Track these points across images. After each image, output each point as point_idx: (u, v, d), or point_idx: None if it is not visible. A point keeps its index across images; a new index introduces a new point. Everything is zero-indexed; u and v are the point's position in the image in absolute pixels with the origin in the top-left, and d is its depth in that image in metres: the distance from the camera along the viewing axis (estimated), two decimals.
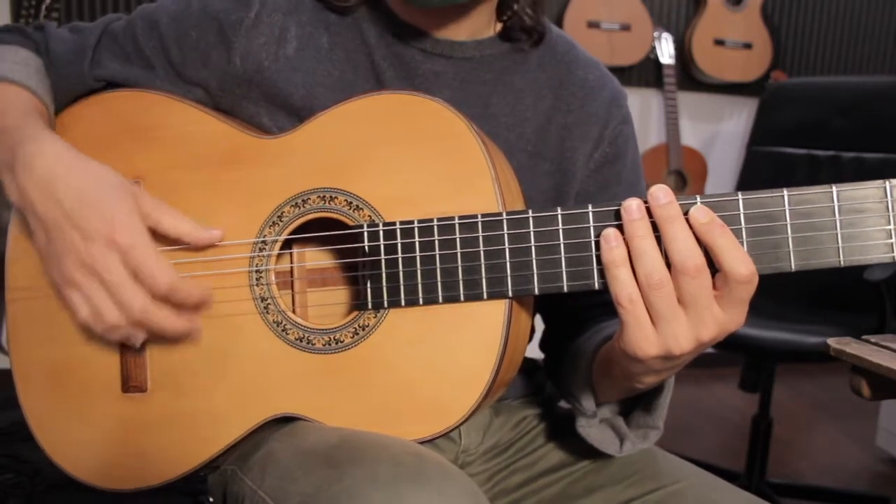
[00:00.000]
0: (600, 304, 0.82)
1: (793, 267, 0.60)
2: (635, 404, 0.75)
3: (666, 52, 2.96)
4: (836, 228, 0.59)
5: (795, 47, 3.19)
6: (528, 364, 0.90)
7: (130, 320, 0.69)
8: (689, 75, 3.05)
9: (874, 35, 3.26)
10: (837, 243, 0.59)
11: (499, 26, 0.84)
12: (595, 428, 0.75)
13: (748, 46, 2.99)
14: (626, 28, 2.87)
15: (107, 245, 0.68)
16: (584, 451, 0.82)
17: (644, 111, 3.02)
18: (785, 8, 3.14)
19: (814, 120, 2.08)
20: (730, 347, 1.66)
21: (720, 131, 3.19)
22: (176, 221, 0.72)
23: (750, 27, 2.99)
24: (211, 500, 0.85)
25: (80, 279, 0.69)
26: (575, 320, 0.84)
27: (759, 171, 2.17)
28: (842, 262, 0.59)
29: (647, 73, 2.99)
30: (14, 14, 2.41)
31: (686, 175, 2.99)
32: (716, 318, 0.59)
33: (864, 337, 0.93)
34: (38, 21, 0.87)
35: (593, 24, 2.83)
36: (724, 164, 3.11)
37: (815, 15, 3.19)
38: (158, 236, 0.72)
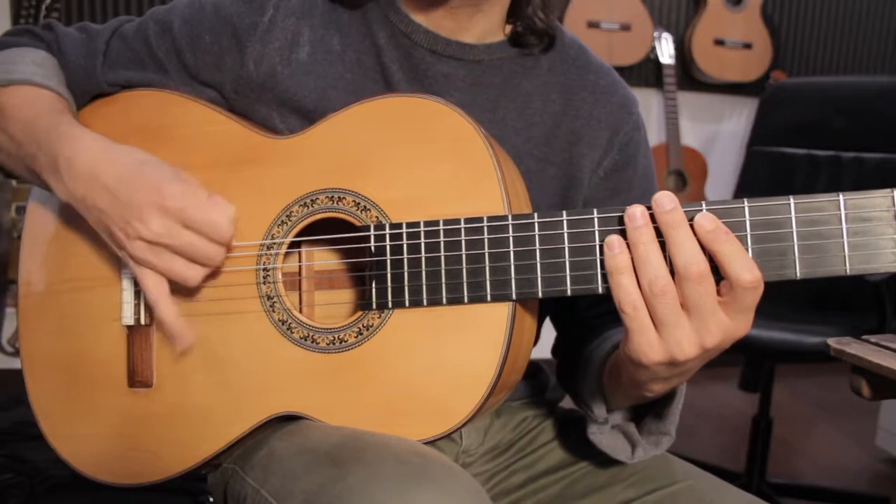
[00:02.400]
0: (612, 312, 0.82)
1: (798, 275, 0.60)
2: (647, 411, 0.75)
3: (666, 52, 2.96)
4: (842, 237, 0.59)
5: (795, 47, 3.19)
6: (530, 366, 0.90)
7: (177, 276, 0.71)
8: (689, 75, 3.05)
9: (874, 35, 3.26)
10: (844, 252, 0.59)
11: (508, 29, 0.84)
12: (606, 434, 0.75)
13: (748, 46, 2.99)
14: (626, 28, 2.87)
15: (162, 214, 0.69)
16: (584, 452, 0.83)
17: (644, 111, 3.00)
18: (785, 8, 3.14)
19: (814, 120, 2.09)
20: (730, 348, 1.66)
21: (720, 131, 3.20)
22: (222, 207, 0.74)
23: (750, 27, 2.99)
24: (211, 499, 0.85)
25: (151, 258, 0.71)
26: (586, 327, 0.84)
27: (759, 172, 2.17)
28: (848, 271, 0.59)
29: (647, 73, 2.99)
30: (14, 14, 2.41)
31: (686, 175, 2.99)
32: (720, 324, 0.59)
33: (864, 337, 0.93)
34: (47, 21, 0.87)
35: (593, 24, 2.83)
36: (724, 164, 3.11)
37: (815, 15, 3.19)
38: None
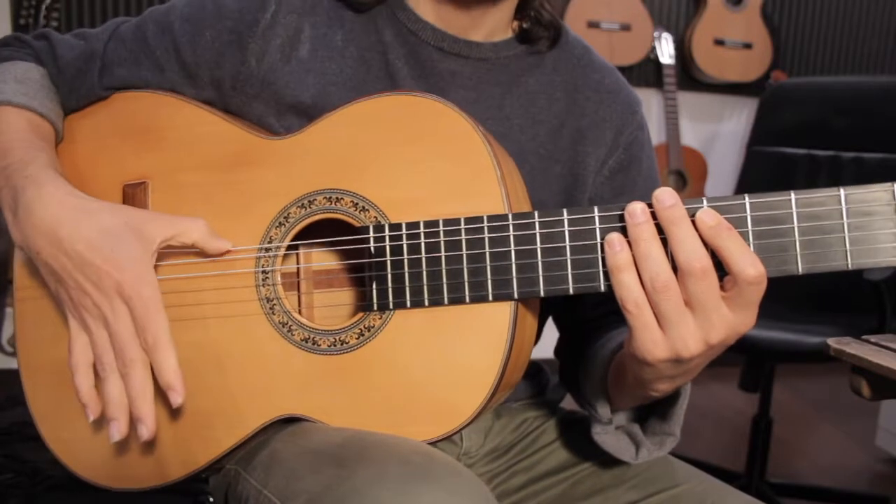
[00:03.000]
0: (615, 311, 0.82)
1: (800, 270, 0.60)
2: (651, 411, 0.74)
3: (666, 52, 2.96)
4: (843, 231, 0.59)
5: (795, 47, 3.19)
6: (530, 366, 0.90)
7: (119, 366, 0.69)
8: (689, 75, 3.05)
9: (874, 35, 3.26)
10: (845, 246, 0.59)
11: (515, 26, 0.84)
12: (611, 435, 0.75)
13: (748, 46, 2.99)
14: (626, 28, 2.87)
15: (116, 293, 0.68)
16: (586, 453, 0.82)
17: (644, 111, 3.02)
18: (785, 8, 3.14)
19: (814, 120, 2.09)
20: (730, 347, 1.66)
21: (720, 131, 3.20)
22: (191, 231, 0.72)
23: (750, 27, 2.99)
24: (212, 500, 0.84)
25: (90, 322, 0.69)
26: (589, 327, 0.84)
27: (759, 171, 2.17)
28: (850, 266, 0.59)
29: (647, 73, 2.99)
30: (14, 14, 2.41)
31: (686, 175, 2.99)
32: (724, 319, 0.59)
33: (864, 337, 0.93)
34: (42, 30, 0.86)
35: (593, 24, 2.83)
36: (724, 164, 3.11)
37: (815, 15, 3.19)
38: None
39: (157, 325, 0.68)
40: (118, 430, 0.70)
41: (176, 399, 0.68)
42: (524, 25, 0.83)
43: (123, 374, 0.69)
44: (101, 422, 0.78)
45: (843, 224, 0.59)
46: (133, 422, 0.70)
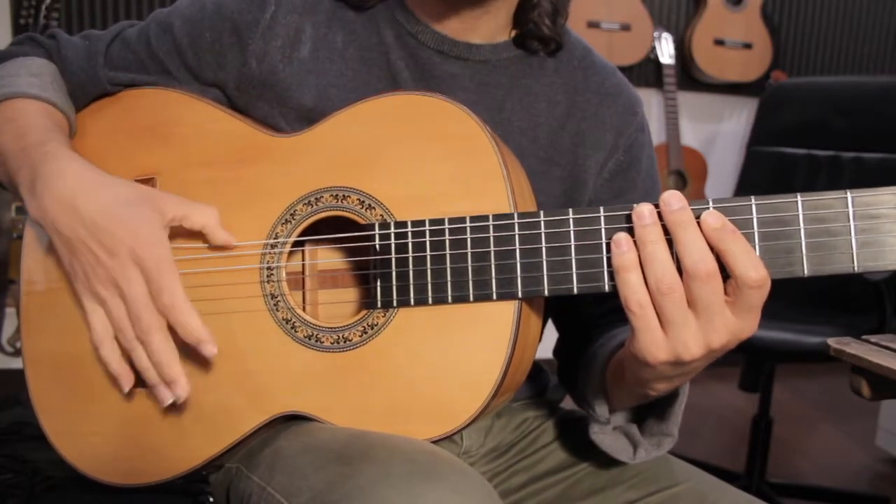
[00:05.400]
0: (614, 311, 0.82)
1: (806, 272, 0.59)
2: (649, 412, 0.74)
3: (666, 52, 2.96)
4: (850, 234, 0.58)
5: (795, 47, 3.19)
6: (531, 367, 0.90)
7: (137, 333, 0.70)
8: (689, 75, 3.05)
9: (874, 35, 3.27)
10: (852, 249, 0.58)
11: (514, 31, 0.84)
12: (609, 435, 0.75)
13: (748, 46, 2.99)
14: (626, 28, 2.87)
15: (130, 258, 0.68)
16: (586, 453, 0.82)
17: (644, 111, 3.02)
18: (785, 8, 3.15)
19: (814, 120, 2.09)
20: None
21: (720, 131, 3.20)
22: (202, 215, 0.73)
23: (750, 27, 2.99)
24: (212, 500, 0.85)
25: (104, 293, 0.70)
26: (588, 326, 0.84)
27: (759, 171, 2.17)
28: (856, 269, 0.58)
29: (647, 73, 2.99)
30: (14, 14, 2.41)
31: (686, 175, 2.99)
32: (727, 324, 0.59)
33: (864, 337, 0.93)
34: (52, 30, 0.87)
35: (593, 24, 2.83)
36: (724, 164, 3.11)
37: (815, 15, 3.19)
38: (182, 231, 0.74)
39: (171, 286, 0.68)
40: (162, 395, 0.72)
41: (211, 350, 0.70)
42: (522, 33, 0.83)
43: (144, 343, 0.70)
44: (103, 417, 0.78)
45: (849, 227, 0.58)
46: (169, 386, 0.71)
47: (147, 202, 0.71)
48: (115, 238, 0.69)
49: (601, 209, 0.63)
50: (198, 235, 0.75)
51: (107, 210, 0.70)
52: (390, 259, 0.69)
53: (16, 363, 2.36)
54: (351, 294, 0.78)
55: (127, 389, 0.73)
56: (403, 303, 0.69)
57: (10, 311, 2.01)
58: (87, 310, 0.72)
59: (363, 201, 0.71)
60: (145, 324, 0.69)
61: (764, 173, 2.15)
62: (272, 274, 0.74)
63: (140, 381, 0.77)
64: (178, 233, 0.74)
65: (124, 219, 0.69)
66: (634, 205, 0.61)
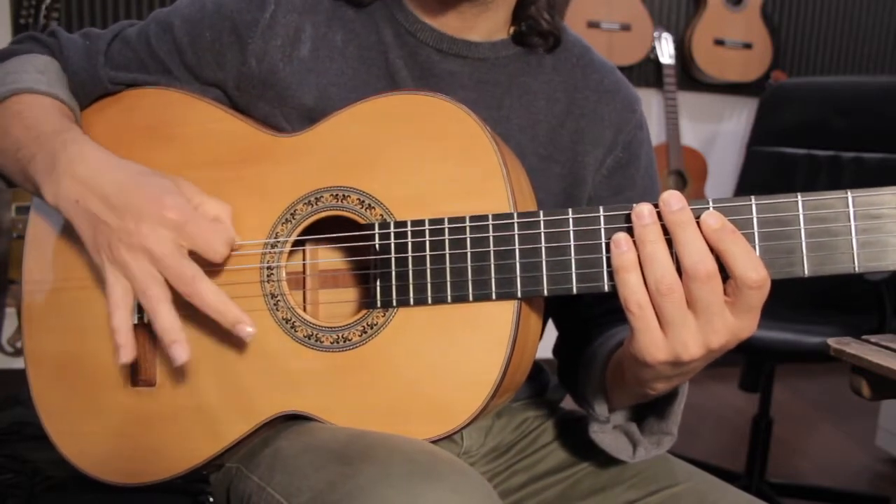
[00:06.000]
0: (614, 310, 0.82)
1: (806, 273, 0.59)
2: (649, 410, 0.74)
3: (666, 52, 2.96)
4: (851, 234, 0.58)
5: (795, 47, 3.19)
6: (531, 367, 0.90)
7: (184, 289, 0.69)
8: (689, 75, 3.05)
9: (874, 35, 3.27)
10: (852, 249, 0.58)
11: (513, 28, 0.84)
12: (608, 434, 0.75)
13: (748, 46, 2.99)
14: (626, 28, 2.87)
15: (158, 222, 0.68)
16: (586, 453, 0.82)
17: (644, 111, 3.02)
18: (785, 8, 3.15)
19: (814, 120, 2.09)
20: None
21: (720, 131, 3.20)
22: (215, 207, 0.73)
23: (750, 27, 2.99)
24: (212, 499, 0.85)
25: (129, 259, 0.69)
26: (588, 326, 0.84)
27: (759, 171, 2.17)
28: (857, 269, 0.58)
29: (647, 73, 2.99)
30: (14, 14, 2.41)
31: (686, 175, 2.99)
32: (727, 324, 0.59)
33: (864, 337, 0.93)
34: (53, 28, 0.87)
35: (593, 24, 2.83)
36: (724, 164, 3.11)
37: (815, 15, 3.19)
38: None
39: (218, 236, 0.69)
40: (182, 351, 0.69)
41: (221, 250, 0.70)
42: (521, 29, 0.83)
43: (190, 295, 0.68)
44: (104, 416, 0.78)
45: (850, 227, 0.58)
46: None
47: (166, 177, 0.72)
48: (140, 205, 0.69)
49: (601, 209, 0.63)
50: None
51: (129, 180, 0.71)
52: (390, 259, 0.69)
53: (16, 363, 2.36)
54: (351, 294, 0.78)
55: (126, 360, 0.71)
56: (403, 302, 0.69)
57: (10, 311, 2.01)
58: (109, 281, 0.70)
59: (363, 201, 0.71)
60: (188, 275, 0.68)
61: (764, 173, 2.15)
62: (272, 273, 0.74)
63: (140, 382, 0.78)
64: None
65: (146, 186, 0.70)
66: (634, 204, 0.61)
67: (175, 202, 0.69)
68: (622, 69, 0.93)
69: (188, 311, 0.75)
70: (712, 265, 0.58)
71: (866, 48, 3.26)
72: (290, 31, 0.79)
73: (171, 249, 0.68)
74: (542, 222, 0.65)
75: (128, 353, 0.71)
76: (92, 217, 0.71)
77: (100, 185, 0.71)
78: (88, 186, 0.71)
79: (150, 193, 0.69)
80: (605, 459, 0.79)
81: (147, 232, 0.68)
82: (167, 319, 0.69)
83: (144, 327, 0.78)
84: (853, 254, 0.58)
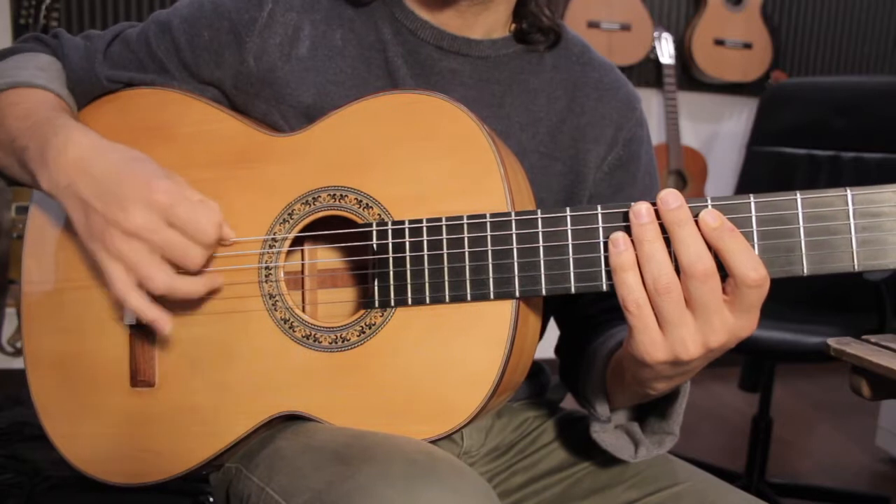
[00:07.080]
0: (615, 309, 0.82)
1: (805, 271, 0.59)
2: (651, 410, 0.74)
3: (666, 52, 2.96)
4: (850, 232, 0.58)
5: (795, 47, 3.19)
6: (531, 366, 0.90)
7: (181, 259, 0.69)
8: (689, 75, 3.05)
9: (874, 35, 3.27)
10: (852, 248, 0.58)
11: (513, 26, 0.84)
12: (610, 433, 0.74)
13: (748, 46, 2.99)
14: (626, 28, 2.87)
15: (147, 207, 0.68)
16: (586, 452, 0.82)
17: (644, 111, 3.02)
18: (785, 8, 3.15)
19: (814, 120, 2.09)
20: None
21: (720, 131, 3.20)
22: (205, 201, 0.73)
23: (750, 27, 2.99)
24: (212, 500, 0.85)
25: (125, 248, 0.69)
26: (589, 325, 0.84)
27: (759, 171, 2.17)
28: (856, 267, 0.58)
29: (647, 73, 2.99)
30: (14, 14, 2.41)
31: (686, 175, 2.99)
32: (725, 323, 0.58)
33: (864, 337, 0.93)
34: (55, 30, 0.88)
35: (593, 24, 2.83)
36: (724, 164, 3.11)
37: (815, 15, 3.19)
38: None
39: (206, 216, 0.69)
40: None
41: (229, 233, 0.73)
42: (522, 27, 0.83)
43: (185, 261, 0.69)
44: (103, 417, 0.78)
45: (849, 225, 0.58)
46: None
47: (152, 160, 0.72)
48: (129, 187, 0.69)
49: (598, 207, 0.63)
50: None
51: (119, 164, 0.71)
52: (388, 258, 0.69)
53: (16, 363, 2.36)
54: (349, 294, 0.78)
55: (167, 330, 0.71)
56: (401, 302, 0.69)
57: (10, 311, 2.01)
58: (107, 269, 0.70)
59: (361, 201, 0.71)
60: (197, 258, 0.69)
61: (764, 173, 2.15)
62: (270, 274, 0.74)
63: (139, 382, 0.78)
64: None
65: (136, 171, 0.70)
66: (632, 203, 0.60)
67: (165, 186, 0.69)
68: (622, 69, 0.93)
69: (188, 310, 0.75)
70: (710, 264, 0.57)
71: (866, 48, 3.26)
72: (289, 29, 0.79)
73: (168, 234, 0.69)
74: (539, 221, 0.65)
75: (166, 323, 0.71)
76: (83, 203, 0.71)
77: (90, 169, 0.71)
78: (78, 171, 0.71)
79: (139, 177, 0.69)
80: (605, 459, 0.79)
81: (139, 218, 0.68)
82: (190, 287, 0.70)
83: (140, 329, 0.78)
84: (853, 252, 0.58)
